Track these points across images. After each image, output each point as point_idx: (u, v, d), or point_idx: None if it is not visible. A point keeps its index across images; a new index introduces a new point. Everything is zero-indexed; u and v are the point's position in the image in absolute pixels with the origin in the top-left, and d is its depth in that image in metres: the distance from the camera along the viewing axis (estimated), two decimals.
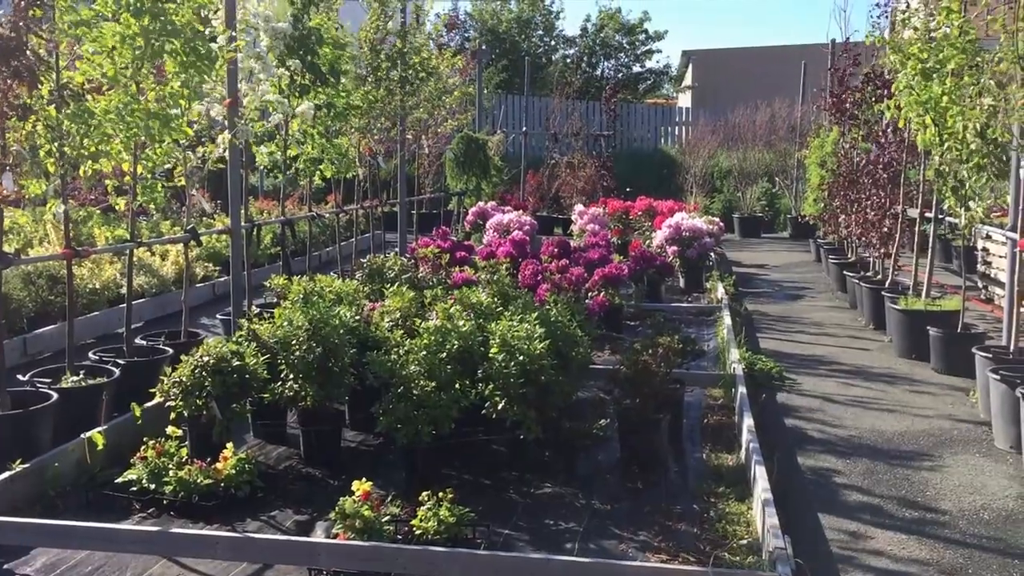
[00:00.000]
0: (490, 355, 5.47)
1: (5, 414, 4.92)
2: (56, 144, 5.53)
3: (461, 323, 5.77)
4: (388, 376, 5.32)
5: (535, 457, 5.43)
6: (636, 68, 39.52)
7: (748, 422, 5.56)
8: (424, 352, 5.39)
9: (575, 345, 6.04)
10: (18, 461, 4.59)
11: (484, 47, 26.78)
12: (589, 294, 9.19)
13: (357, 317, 6.03)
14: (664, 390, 5.69)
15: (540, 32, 38.31)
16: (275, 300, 8.13)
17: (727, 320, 8.99)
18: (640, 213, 15.17)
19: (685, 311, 10.60)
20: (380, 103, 10.85)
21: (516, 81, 31.29)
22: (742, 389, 6.33)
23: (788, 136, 22.79)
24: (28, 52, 4.89)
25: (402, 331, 5.97)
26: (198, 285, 10.64)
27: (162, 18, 6.04)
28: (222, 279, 10.95)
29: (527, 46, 36.73)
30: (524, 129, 22.53)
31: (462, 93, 15.61)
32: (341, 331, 5.56)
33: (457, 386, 5.31)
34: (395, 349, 5.54)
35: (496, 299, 6.61)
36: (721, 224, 14.11)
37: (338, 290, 6.85)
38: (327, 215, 12.02)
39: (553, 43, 38.86)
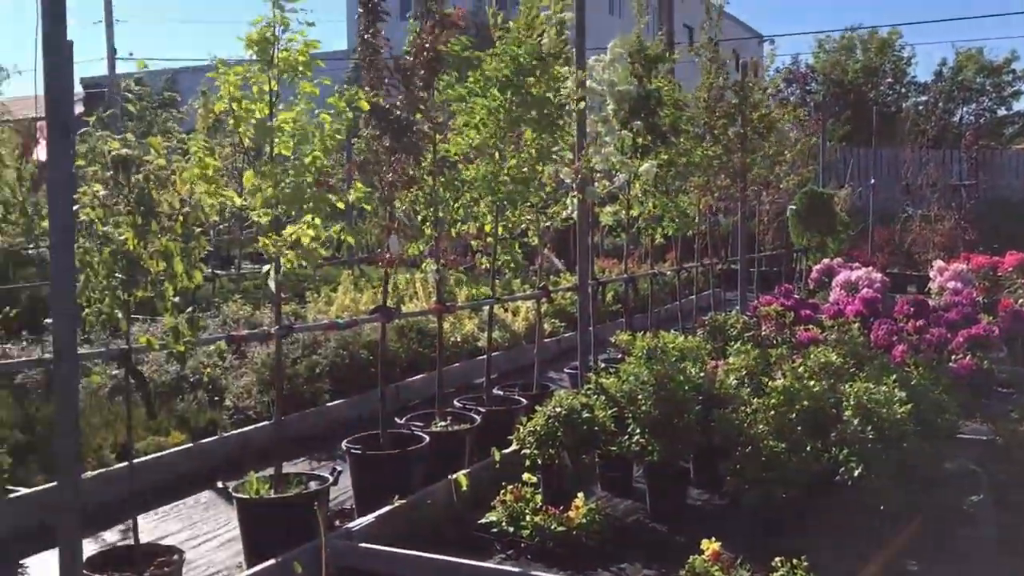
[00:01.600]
0: (844, 418, 5.22)
1: (386, 453, 5.47)
2: (432, 209, 6.15)
3: (811, 383, 5.56)
4: (735, 435, 5.24)
5: (894, 529, 5.04)
6: (1001, 111, 36.10)
7: None
8: (773, 412, 5.25)
9: (940, 411, 5.58)
10: (396, 497, 5.08)
11: (827, 99, 25.85)
12: (952, 357, 8.42)
13: (702, 374, 6.01)
14: None
15: (889, 80, 36.29)
16: (618, 355, 8.34)
17: None
18: (1011, 269, 13.69)
19: None
20: (719, 160, 10.84)
21: (862, 132, 29.77)
22: None
23: None
24: (416, 129, 5.52)
25: (748, 389, 5.86)
26: (546, 340, 11.17)
27: (523, 91, 6.55)
28: (567, 335, 11.42)
29: (874, 95, 34.92)
30: (872, 181, 21.33)
31: (804, 148, 15.15)
32: (686, 387, 5.58)
33: (808, 448, 5.11)
34: (742, 408, 5.46)
35: (848, 360, 6.29)
36: None
37: (681, 347, 6.87)
38: (668, 272, 12.14)
39: (903, 90, 36.63)
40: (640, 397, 5.56)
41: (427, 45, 5.76)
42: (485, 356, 9.90)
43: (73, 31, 3.65)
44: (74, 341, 3.50)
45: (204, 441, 6.62)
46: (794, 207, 15.68)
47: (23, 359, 6.14)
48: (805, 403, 5.34)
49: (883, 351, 7.68)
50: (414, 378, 8.81)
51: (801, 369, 5.81)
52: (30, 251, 14.13)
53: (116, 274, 3.79)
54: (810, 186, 16.65)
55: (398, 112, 5.69)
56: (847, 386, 5.51)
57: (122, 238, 3.85)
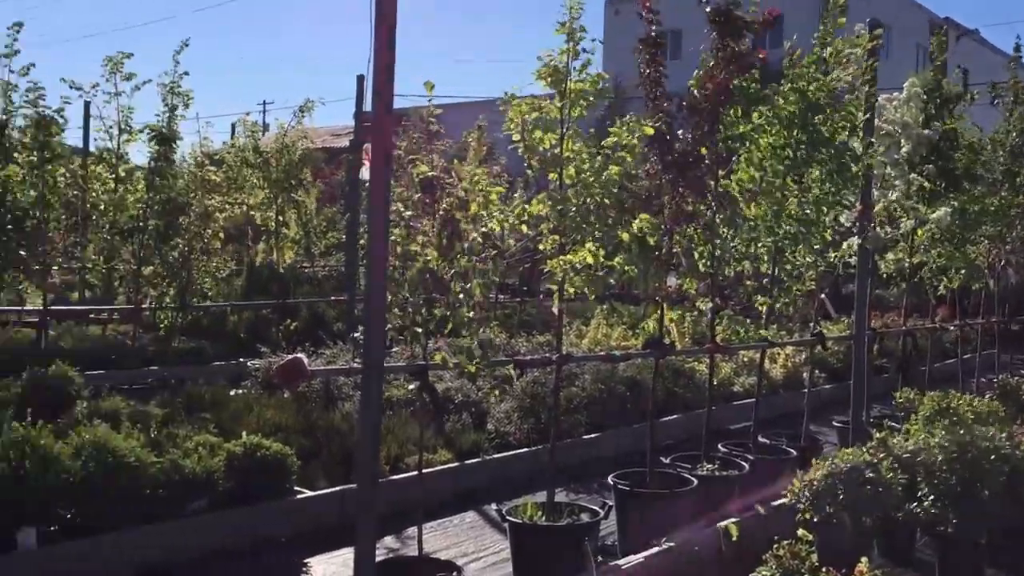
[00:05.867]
0: None
1: (655, 492, 5.33)
2: (709, 246, 5.98)
3: None
4: None
5: None
6: None
7: None
8: None
9: None
10: (663, 539, 4.91)
11: None
12: None
13: (1008, 442, 5.42)
14: None
15: None
16: (889, 412, 7.82)
17: None
18: None
19: None
20: (1018, 210, 9.89)
21: None
22: None
23: None
24: (702, 165, 5.40)
25: None
26: (803, 391, 10.62)
27: (811, 129, 6.26)
28: (827, 387, 10.81)
29: None
30: None
31: None
32: (991, 456, 5.04)
33: None
34: None
35: None
36: None
37: (976, 409, 6.26)
38: (951, 327, 11.21)
39: None
40: (937, 461, 5.08)
41: (720, 81, 5.62)
42: (740, 401, 9.59)
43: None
44: (383, 353, 3.64)
45: (469, 462, 6.77)
46: None
47: (333, 367, 6.56)
48: None
49: None
50: (668, 418, 8.62)
51: None
52: (307, 269, 15.29)
53: (420, 292, 3.93)
54: None
55: (682, 146, 5.61)
56: None
57: (427, 257, 3.99)
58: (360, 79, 10.78)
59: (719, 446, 6.59)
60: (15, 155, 7.57)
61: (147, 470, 4.98)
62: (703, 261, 6.06)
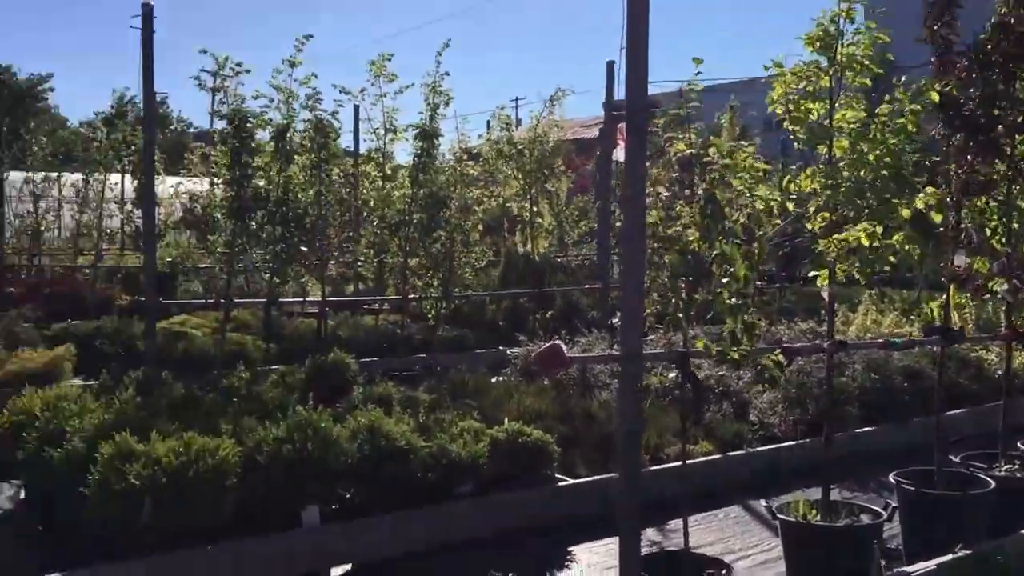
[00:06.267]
0: None
1: (946, 494, 4.83)
2: (1004, 219, 5.34)
3: None
4: None
5: None
6: None
7: None
8: None
9: None
10: (959, 545, 4.43)
11: None
12: None
13: None
14: None
15: None
16: None
17: None
18: None
19: None
20: None
21: None
22: None
23: None
24: (996, 127, 4.81)
25: None
26: None
27: None
28: None
29: None
30: None
31: None
32: None
33: None
34: None
35: None
36: None
37: None
38: None
39: None
40: None
41: (1014, 27, 4.98)
42: None
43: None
44: (640, 341, 3.51)
45: (732, 454, 6.51)
46: None
47: (591, 355, 6.55)
48: None
49: None
50: (953, 412, 7.84)
51: None
52: (560, 258, 15.46)
53: (681, 276, 3.75)
54: None
55: (972, 107, 5.03)
56: None
57: (688, 239, 3.80)
58: (610, 65, 10.67)
59: (1019, 444, 5.89)
60: (295, 157, 8.13)
61: (417, 454, 5.15)
62: (997, 238, 5.42)
